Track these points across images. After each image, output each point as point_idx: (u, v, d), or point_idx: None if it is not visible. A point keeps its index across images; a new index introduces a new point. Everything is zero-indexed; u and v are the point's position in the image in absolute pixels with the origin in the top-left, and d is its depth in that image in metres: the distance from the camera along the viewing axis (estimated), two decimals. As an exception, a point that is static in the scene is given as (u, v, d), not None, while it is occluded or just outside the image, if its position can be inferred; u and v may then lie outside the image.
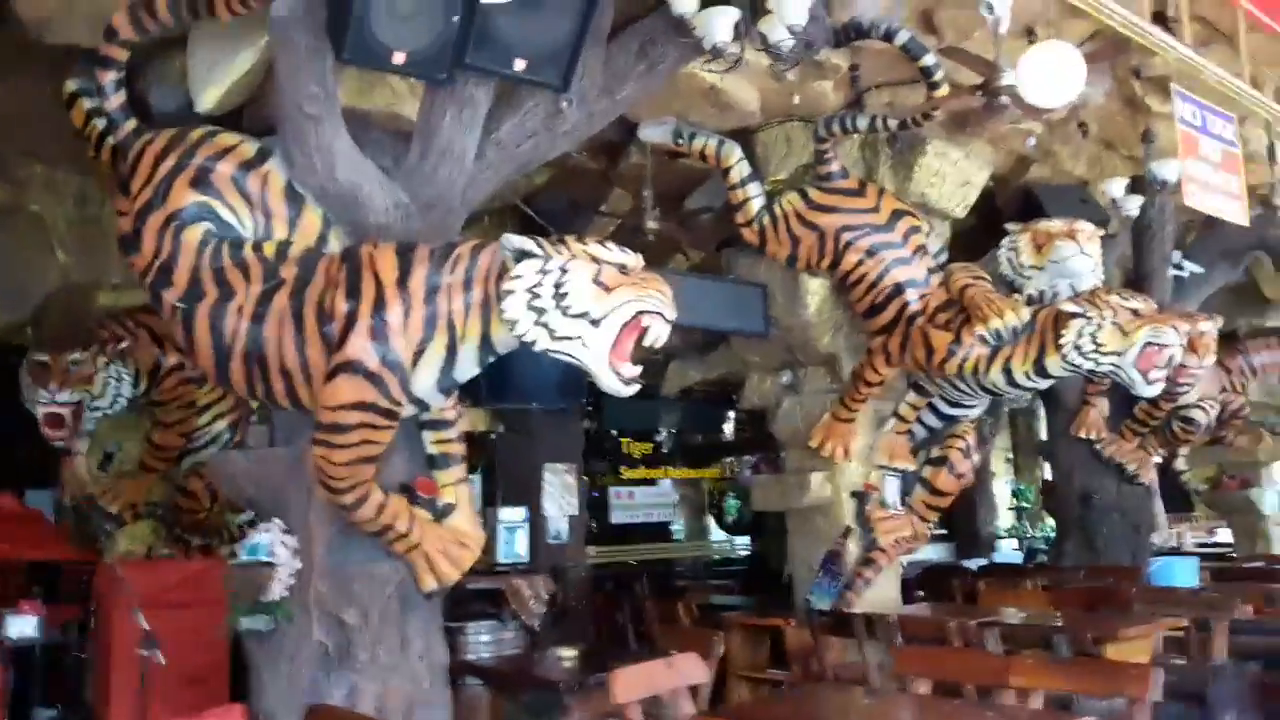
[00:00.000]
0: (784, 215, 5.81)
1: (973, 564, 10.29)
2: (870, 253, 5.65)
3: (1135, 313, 4.83)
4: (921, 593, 8.13)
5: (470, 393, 8.34)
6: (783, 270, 6.09)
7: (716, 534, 14.24)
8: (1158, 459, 11.65)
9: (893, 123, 5.19)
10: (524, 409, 8.29)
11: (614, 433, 11.49)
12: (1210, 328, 6.82)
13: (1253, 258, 8.69)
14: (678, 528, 14.27)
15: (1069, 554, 8.38)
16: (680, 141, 5.73)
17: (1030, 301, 5.42)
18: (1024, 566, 9.15)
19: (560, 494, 8.47)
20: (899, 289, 5.68)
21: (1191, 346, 6.77)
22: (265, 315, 3.60)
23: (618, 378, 3.45)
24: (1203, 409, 7.82)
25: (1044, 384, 5.48)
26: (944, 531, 13.97)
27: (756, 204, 5.88)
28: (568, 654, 4.44)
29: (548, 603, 5.42)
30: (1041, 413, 11.26)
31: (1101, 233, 5.50)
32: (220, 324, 3.65)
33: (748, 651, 6.23)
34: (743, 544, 13.81)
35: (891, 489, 6.35)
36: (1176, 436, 8.12)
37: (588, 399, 10.58)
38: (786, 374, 6.48)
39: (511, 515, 7.92)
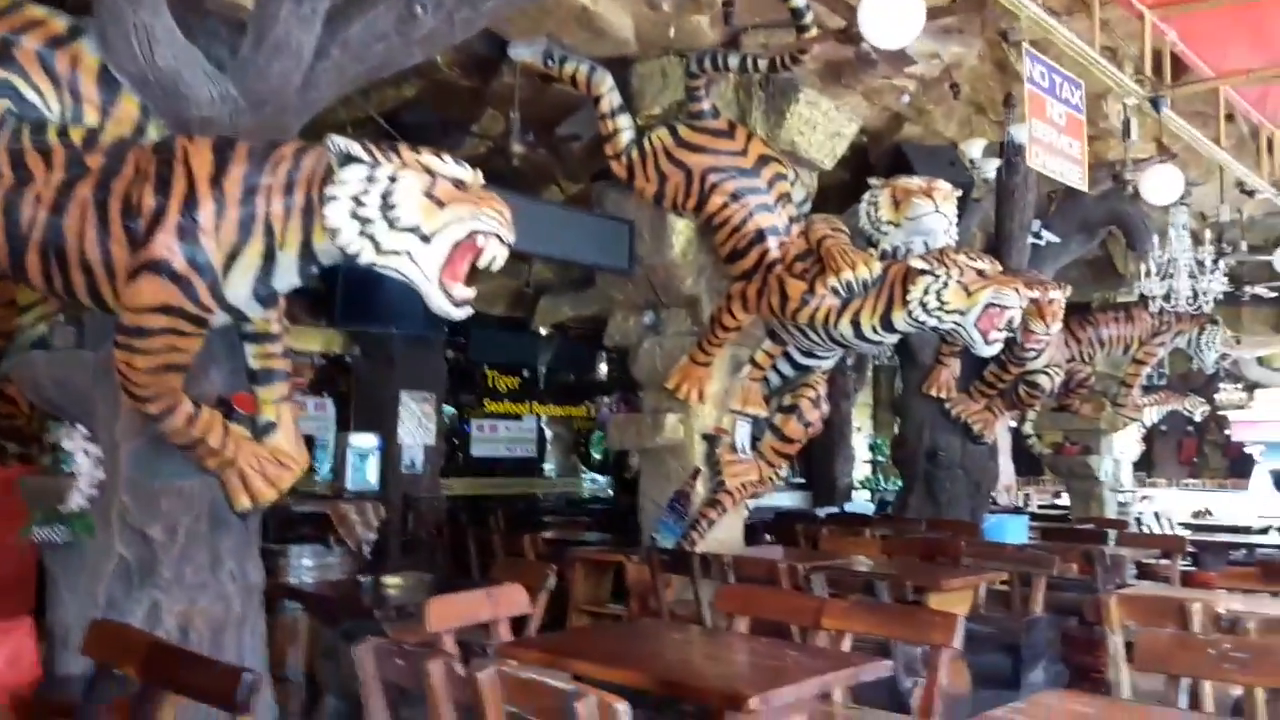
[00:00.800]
0: (653, 151, 5.71)
1: (824, 512, 10.59)
2: (735, 196, 5.61)
3: (980, 273, 4.92)
4: (771, 537, 8.30)
5: (325, 313, 8.08)
6: (651, 208, 6.00)
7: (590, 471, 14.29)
8: (1012, 422, 12.17)
9: (763, 63, 5.13)
10: (383, 333, 8.08)
11: (482, 365, 11.29)
12: (1059, 296, 7.04)
13: (1108, 232, 9.02)
14: (550, 465, 14.26)
15: (913, 507, 8.65)
16: (550, 64, 5.55)
17: (884, 256, 5.48)
18: (870, 516, 9.42)
19: (417, 423, 8.31)
20: (761, 235, 5.66)
21: (1040, 313, 6.98)
22: (66, 206, 3.31)
23: (448, 298, 3.31)
24: (1048, 375, 8.12)
25: (891, 338, 5.57)
26: (802, 480, 14.35)
27: (626, 136, 5.75)
28: (393, 582, 4.34)
29: (380, 529, 5.27)
30: (903, 370, 11.61)
31: (958, 193, 5.58)
32: (16, 212, 3.35)
33: (590, 586, 6.25)
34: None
35: (742, 434, 6.41)
36: (1022, 400, 8.43)
37: (454, 328, 10.39)
38: (649, 314, 6.43)
39: (363, 441, 7.74)
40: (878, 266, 5.24)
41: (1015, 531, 6.96)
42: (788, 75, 5.87)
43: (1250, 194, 8.03)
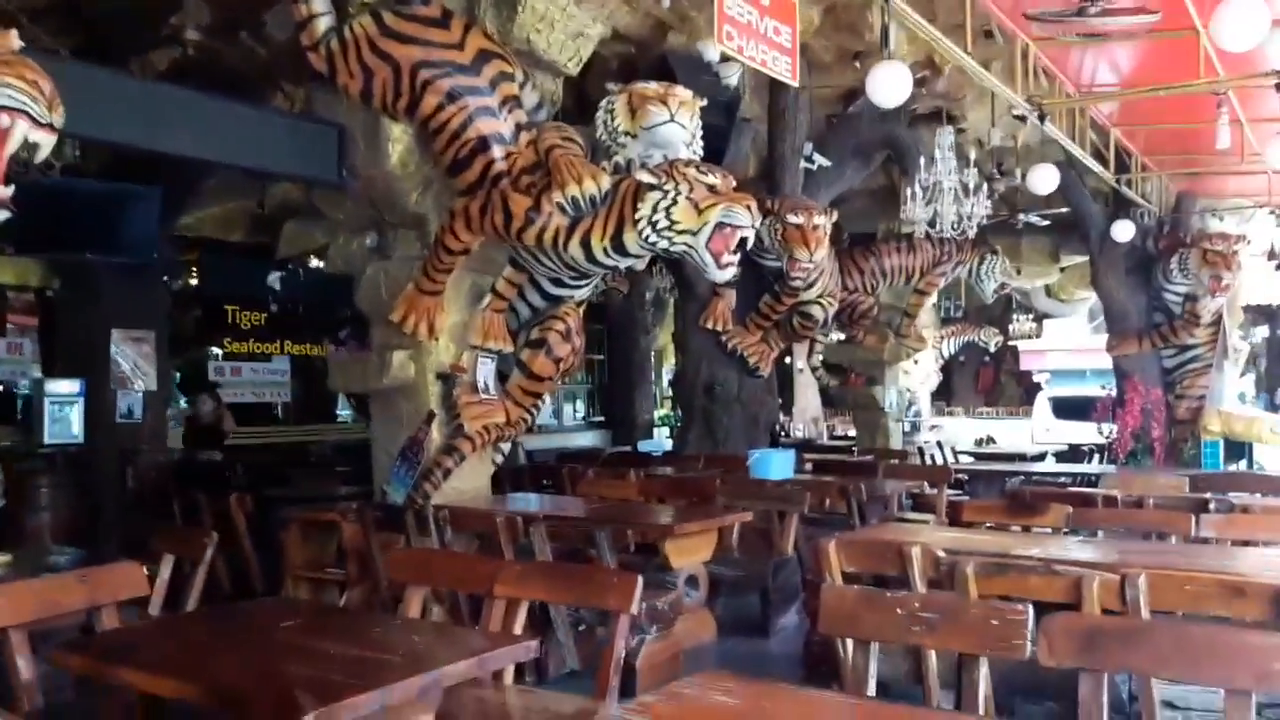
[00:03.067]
0: (354, 40, 4.91)
1: (611, 451, 10.18)
2: (451, 97, 4.89)
3: (711, 189, 4.40)
4: (548, 482, 7.80)
5: (10, 237, 6.90)
6: (363, 111, 5.21)
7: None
8: (816, 359, 12.04)
9: (466, -67, 4.41)
10: (84, 261, 6.93)
11: (219, 298, 10.04)
12: (824, 222, 6.71)
13: (885, 157, 8.79)
14: (346, 411, 13.24)
15: (692, 443, 8.33)
16: (226, -66, 4.64)
17: (617, 171, 4.90)
18: (652, 455, 9.05)
19: (133, 365, 7.26)
20: (484, 144, 4.97)
21: (804, 239, 6.64)
22: None
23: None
24: (821, 305, 7.85)
25: (625, 262, 5.02)
26: (601, 418, 13.96)
27: (323, 23, 4.94)
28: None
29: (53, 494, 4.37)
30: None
31: (703, 102, 5.04)
32: None
33: (311, 549, 5.53)
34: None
35: (484, 372, 5.77)
36: (796, 331, 8.16)
37: (186, 255, 9.25)
38: (371, 235, 5.66)
39: (63, 388, 6.69)
40: (607, 181, 4.65)
41: (781, 466, 6.66)
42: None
43: (1022, 119, 7.90)
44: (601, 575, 2.99)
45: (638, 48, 7.02)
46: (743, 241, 4.43)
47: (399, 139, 5.20)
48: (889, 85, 4.49)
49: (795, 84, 4.40)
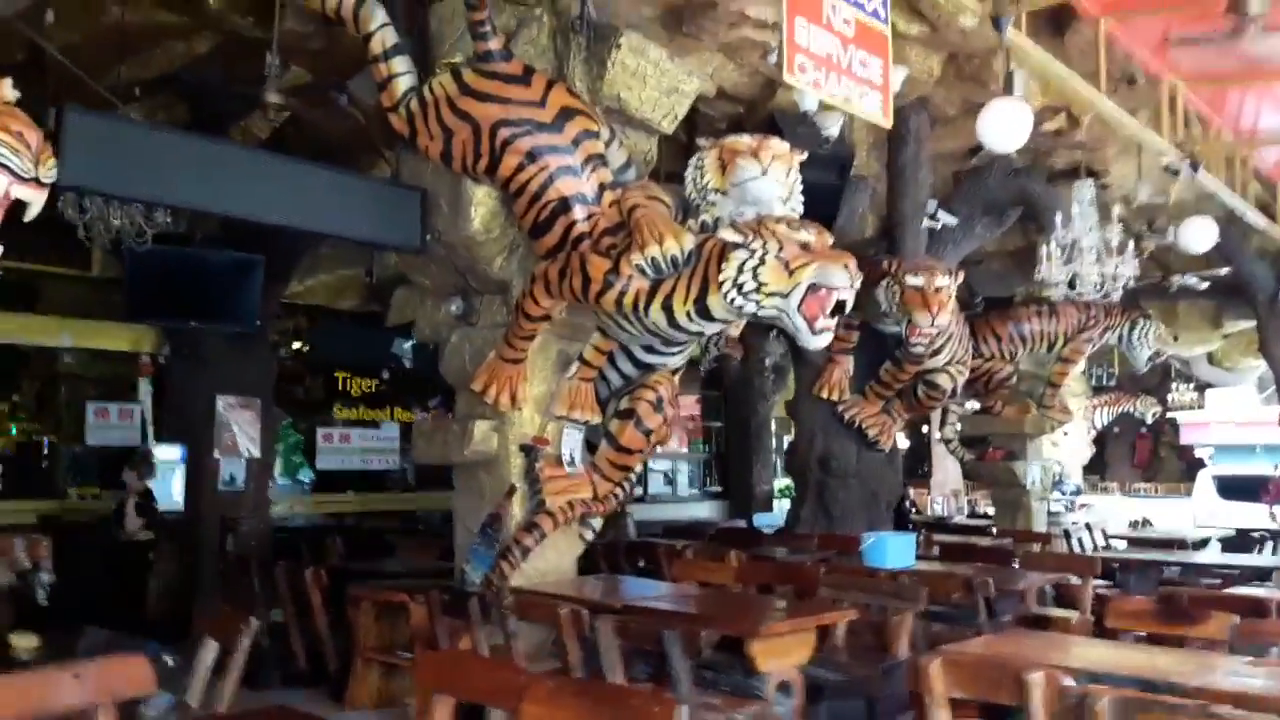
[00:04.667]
0: (434, 100, 4.73)
1: (725, 526, 9.67)
2: (531, 156, 4.63)
3: (804, 246, 3.95)
4: (646, 561, 7.36)
5: (123, 306, 7.02)
6: (448, 175, 5.02)
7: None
8: (950, 430, 11.24)
9: (540, -16, 4.16)
10: (196, 329, 6.97)
11: (330, 365, 10.09)
12: (947, 283, 6.13)
13: (1019, 215, 8.11)
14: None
15: (805, 520, 7.77)
16: (310, -4, 4.57)
17: (705, 230, 4.51)
18: (761, 531, 8.49)
19: (236, 431, 7.25)
20: (566, 205, 4.68)
21: (925, 302, 6.08)
22: None
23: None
24: (948, 373, 7.20)
25: (710, 327, 4.60)
26: (718, 488, 13.44)
27: (404, 83, 4.78)
28: (26, 643, 3.31)
29: (47, 569, 4.24)
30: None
31: (802, 156, 4.61)
32: None
33: (381, 630, 5.25)
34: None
35: (570, 443, 5.43)
36: (921, 402, 7.52)
37: (299, 322, 9.33)
38: (455, 301, 5.44)
39: (164, 454, 6.70)
40: (691, 241, 4.27)
41: (899, 553, 6.01)
42: (603, 17, 4.93)
43: (1175, 173, 7.16)
44: (637, 699, 2.52)
45: (746, 107, 6.69)
46: (840, 305, 3.95)
47: (482, 202, 4.98)
48: (1003, 126, 3.96)
49: (887, 124, 3.94)
